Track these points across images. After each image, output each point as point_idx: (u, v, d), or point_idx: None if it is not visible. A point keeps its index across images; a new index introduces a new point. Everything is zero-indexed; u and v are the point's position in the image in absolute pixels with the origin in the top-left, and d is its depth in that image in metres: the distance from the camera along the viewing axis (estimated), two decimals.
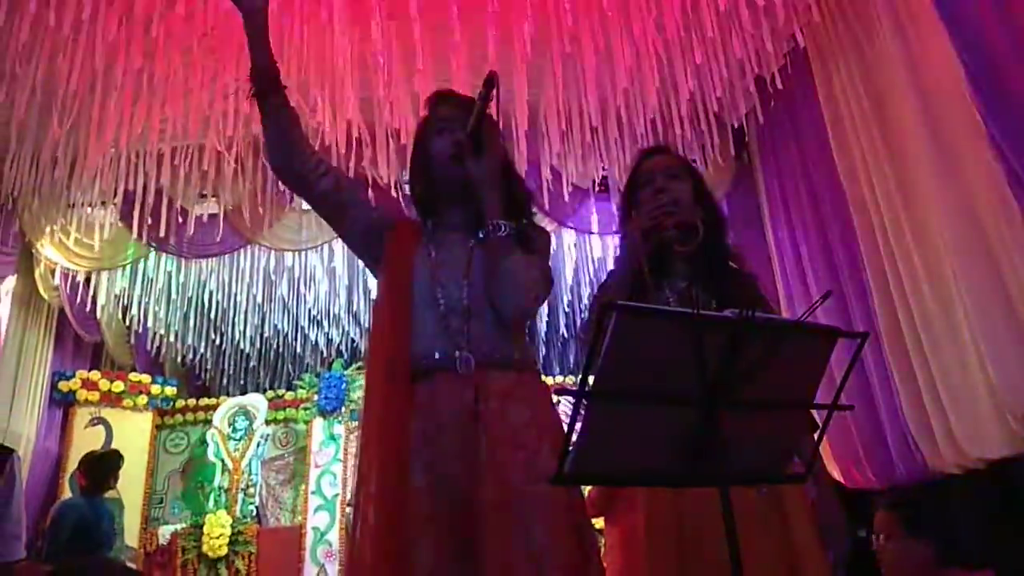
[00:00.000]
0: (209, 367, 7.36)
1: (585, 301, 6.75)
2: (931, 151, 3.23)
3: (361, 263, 6.35)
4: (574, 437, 1.05)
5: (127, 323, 6.54)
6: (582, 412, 1.06)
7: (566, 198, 5.16)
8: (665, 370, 1.09)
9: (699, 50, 3.89)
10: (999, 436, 2.91)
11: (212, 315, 6.66)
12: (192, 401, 6.93)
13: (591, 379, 1.04)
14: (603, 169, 5.13)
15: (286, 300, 6.61)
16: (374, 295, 6.51)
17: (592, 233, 5.69)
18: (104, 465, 4.66)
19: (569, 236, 5.83)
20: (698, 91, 4.27)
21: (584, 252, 6.11)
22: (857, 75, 3.85)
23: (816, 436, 1.33)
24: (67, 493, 5.77)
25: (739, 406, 1.12)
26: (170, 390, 6.82)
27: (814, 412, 1.42)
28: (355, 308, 6.74)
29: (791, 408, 1.20)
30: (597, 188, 5.28)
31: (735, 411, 1.11)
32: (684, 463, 1.12)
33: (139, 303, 6.21)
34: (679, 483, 1.16)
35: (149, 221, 5.11)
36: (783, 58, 4.26)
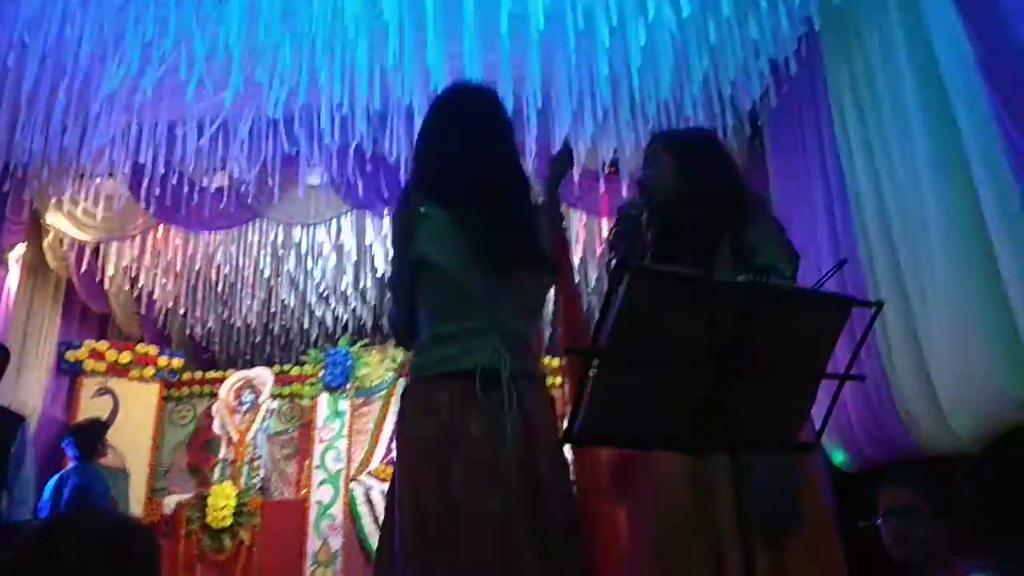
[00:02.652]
0: (216, 340, 7.38)
1: (593, 284, 6.73)
2: (934, 139, 3.19)
3: (368, 240, 6.33)
4: (584, 399, 1.05)
5: (135, 294, 6.56)
6: (591, 373, 1.06)
7: (576, 180, 5.14)
8: (676, 334, 1.08)
9: (714, 30, 3.85)
10: (992, 417, 2.92)
11: (220, 289, 6.67)
12: (199, 374, 6.95)
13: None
14: (614, 151, 5.10)
15: (293, 275, 6.61)
16: (380, 272, 6.53)
17: (603, 216, 5.67)
18: (91, 432, 4.76)
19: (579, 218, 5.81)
20: (712, 72, 4.24)
21: (594, 234, 6.09)
22: (865, 60, 3.80)
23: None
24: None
25: (750, 373, 1.11)
26: (177, 362, 6.84)
27: None
28: (362, 285, 6.74)
29: (802, 377, 1.20)
30: (607, 170, 5.25)
31: (746, 378, 1.10)
32: (694, 427, 1.11)
33: (147, 275, 6.22)
34: (688, 447, 1.16)
35: (158, 192, 5.12)
36: (797, 41, 4.22)
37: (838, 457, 4.18)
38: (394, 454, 6.60)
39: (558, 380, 3.99)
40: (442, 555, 1.46)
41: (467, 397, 1.56)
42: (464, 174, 1.73)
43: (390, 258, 1.69)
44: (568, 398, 2.47)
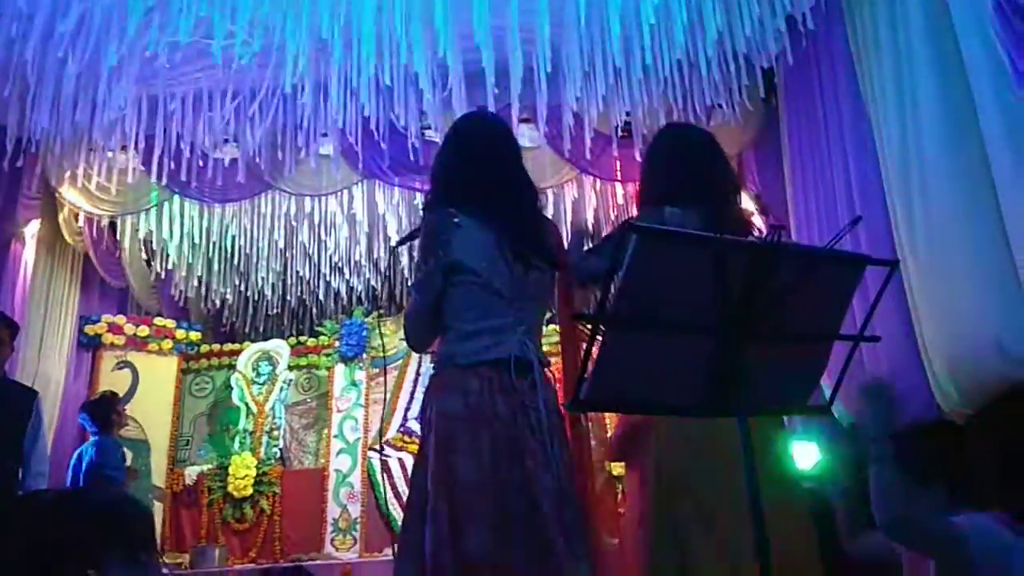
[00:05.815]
0: (233, 313, 7.42)
1: None
2: (945, 95, 3.10)
3: (381, 210, 6.31)
4: (591, 363, 1.03)
5: (151, 268, 6.59)
6: (599, 338, 1.04)
7: (587, 144, 5.07)
8: (685, 296, 1.05)
9: None
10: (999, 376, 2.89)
11: (236, 261, 6.69)
12: (216, 346, 7.01)
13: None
14: (626, 114, 5.01)
15: (307, 247, 6.61)
16: (393, 242, 6.51)
17: (615, 180, 5.61)
18: (104, 406, 4.85)
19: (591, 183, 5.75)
20: (727, 30, 4.13)
21: (606, 199, 6.03)
22: (885, 15, 3.68)
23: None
24: None
25: (762, 335, 1.08)
26: (195, 335, 6.90)
27: None
28: (375, 255, 6.73)
29: (816, 339, 1.17)
30: (620, 134, 5.16)
31: (757, 340, 1.08)
32: (704, 392, 1.09)
33: (163, 248, 6.24)
34: (698, 413, 1.14)
35: (171, 165, 5.10)
36: None
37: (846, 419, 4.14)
38: (410, 423, 6.63)
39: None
40: (475, 519, 1.64)
41: (496, 382, 1.80)
42: (487, 187, 2.01)
43: (417, 263, 1.98)
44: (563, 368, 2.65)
